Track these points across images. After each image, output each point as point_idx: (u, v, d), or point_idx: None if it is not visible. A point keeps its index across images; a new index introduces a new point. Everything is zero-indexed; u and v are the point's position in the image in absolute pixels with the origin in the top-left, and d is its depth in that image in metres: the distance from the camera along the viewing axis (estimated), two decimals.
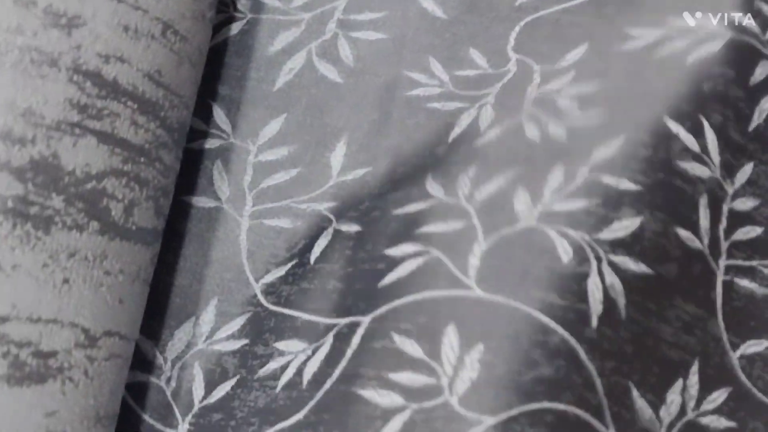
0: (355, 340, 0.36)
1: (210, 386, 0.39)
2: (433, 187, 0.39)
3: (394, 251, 0.38)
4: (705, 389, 0.35)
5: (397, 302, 0.36)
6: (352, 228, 0.41)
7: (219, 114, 0.45)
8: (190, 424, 0.39)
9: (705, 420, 0.35)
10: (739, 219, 0.38)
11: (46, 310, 0.32)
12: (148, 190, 0.37)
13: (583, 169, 0.36)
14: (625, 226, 0.35)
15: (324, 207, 0.42)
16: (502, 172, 0.38)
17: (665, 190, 0.37)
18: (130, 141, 0.35)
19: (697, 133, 0.38)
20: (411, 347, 0.34)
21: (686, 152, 0.38)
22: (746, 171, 0.39)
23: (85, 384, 0.33)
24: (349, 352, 0.36)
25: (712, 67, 0.40)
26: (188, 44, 0.40)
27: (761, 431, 0.36)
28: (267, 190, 0.43)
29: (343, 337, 0.37)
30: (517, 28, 0.45)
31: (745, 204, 0.39)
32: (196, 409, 0.39)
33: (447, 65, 0.45)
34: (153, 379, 0.40)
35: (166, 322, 0.41)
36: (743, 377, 0.36)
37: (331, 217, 0.42)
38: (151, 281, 0.39)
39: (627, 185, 0.36)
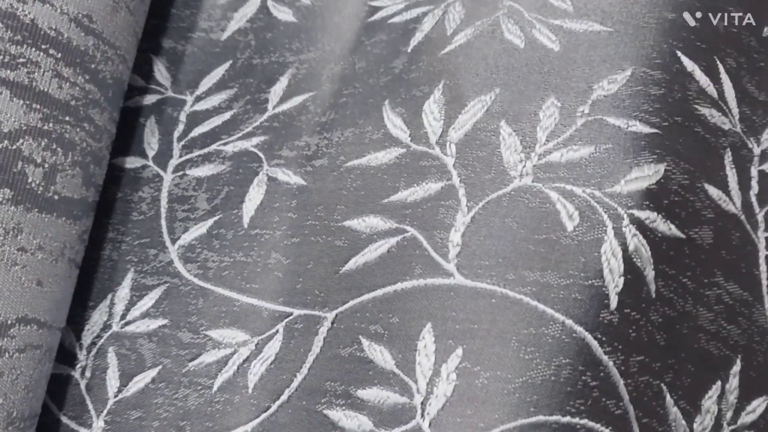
0: (317, 342, 0.31)
1: (125, 377, 0.34)
2: (393, 122, 0.33)
3: (357, 224, 0.32)
4: (744, 396, 0.29)
5: (366, 296, 0.31)
6: (293, 179, 0.35)
7: (160, 69, 0.40)
8: (106, 422, 0.33)
9: None
10: None
11: None
12: (75, 155, 0.31)
13: (584, 107, 0.30)
14: (647, 173, 0.28)
15: (252, 143, 0.37)
16: (477, 94, 0.32)
17: (685, 137, 0.29)
18: (52, 96, 0.30)
19: (713, 76, 0.32)
20: (381, 356, 0.29)
21: (704, 96, 0.31)
22: None
23: (14, 370, 0.28)
24: (311, 358, 0.31)
25: (728, 3, 0.34)
26: None
27: None
28: (197, 138, 0.38)
29: (298, 334, 0.32)
30: None
31: None
32: (111, 404, 0.34)
33: None
34: (70, 371, 0.34)
35: (87, 302, 0.35)
36: None
37: (260, 154, 0.36)
38: (80, 262, 0.34)
39: (640, 128, 0.29)
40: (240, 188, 0.36)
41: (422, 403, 0.28)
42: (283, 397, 0.31)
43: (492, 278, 0.28)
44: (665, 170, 0.29)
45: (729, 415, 0.29)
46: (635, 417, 0.26)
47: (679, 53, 0.31)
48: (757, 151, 0.32)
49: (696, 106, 0.30)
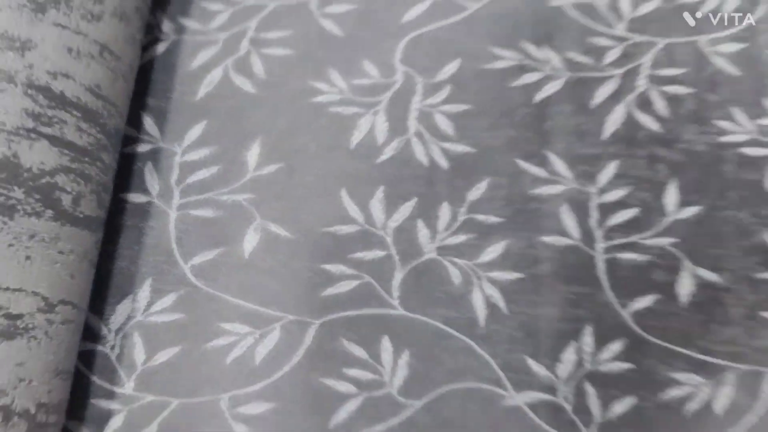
0: (308, 337, 0.47)
1: (151, 351, 0.46)
2: (351, 207, 0.50)
3: (331, 268, 0.48)
4: (601, 344, 0.45)
5: (342, 314, 0.47)
6: (282, 233, 0.49)
7: (148, 122, 0.53)
8: (136, 383, 0.46)
9: (604, 367, 0.44)
10: (611, 208, 0.48)
11: (13, 281, 0.38)
12: (92, 185, 0.44)
13: (462, 209, 0.49)
14: (495, 250, 0.48)
15: (243, 198, 0.50)
16: (403, 200, 0.50)
17: (524, 216, 0.49)
18: (76, 143, 0.43)
19: (544, 163, 0.50)
20: (358, 351, 0.46)
21: (536, 180, 0.49)
22: (610, 170, 0.49)
23: (46, 342, 0.40)
24: (304, 347, 0.46)
25: (554, 105, 0.51)
26: (121, 63, 0.47)
27: (654, 367, 0.44)
28: (192, 185, 0.51)
29: (292, 332, 0.47)
30: (402, 43, 0.54)
31: (617, 194, 0.48)
32: (139, 370, 0.46)
33: (345, 75, 0.53)
34: (99, 347, 0.47)
35: (108, 299, 0.48)
36: (637, 328, 0.45)
37: (252, 208, 0.50)
38: (96, 263, 0.46)
39: (493, 220, 0.49)
40: (239, 230, 0.50)
41: (390, 379, 0.46)
42: (285, 369, 0.46)
43: (418, 311, 0.47)
44: (507, 244, 0.48)
45: (588, 358, 0.45)
46: (506, 378, 0.45)
47: (516, 160, 0.50)
48: (593, 190, 0.49)
49: (531, 191, 0.49)
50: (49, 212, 0.41)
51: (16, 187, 0.39)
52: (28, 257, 0.39)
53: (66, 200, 0.42)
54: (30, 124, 0.40)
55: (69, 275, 0.42)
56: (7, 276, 0.38)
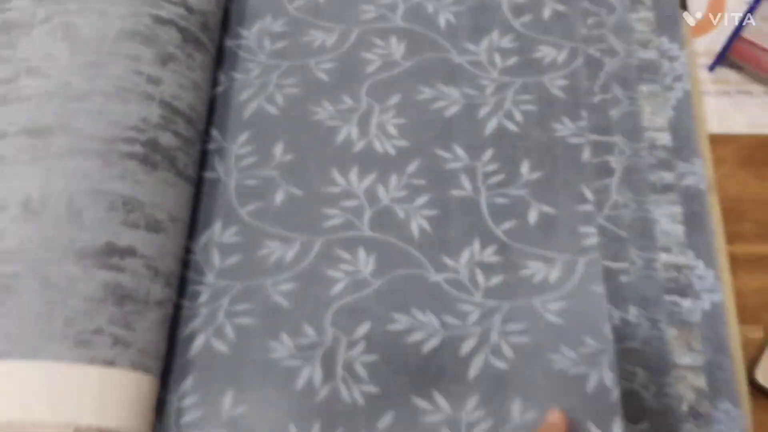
0: (315, 249, 0.77)
1: (224, 259, 0.79)
2: (338, 177, 0.81)
3: (327, 210, 0.79)
4: (483, 247, 0.77)
5: (335, 235, 0.78)
6: (298, 192, 0.81)
7: (215, 132, 0.86)
8: (214, 276, 0.77)
9: (485, 259, 0.76)
10: (489, 174, 0.81)
11: (157, 202, 0.71)
12: (192, 159, 0.77)
13: (404, 177, 0.80)
14: (422, 198, 0.79)
15: (273, 173, 0.83)
16: (369, 173, 0.81)
17: (440, 180, 0.80)
18: (184, 135, 0.76)
19: (450, 150, 0.82)
20: (345, 255, 0.77)
21: (446, 160, 0.81)
22: (488, 153, 0.82)
23: (174, 238, 0.72)
24: (313, 253, 0.77)
25: (456, 118, 0.84)
26: (204, 93, 0.81)
27: (515, 258, 0.76)
28: (243, 167, 0.83)
29: (306, 245, 0.77)
30: (366, 84, 0.88)
31: (493, 167, 0.81)
32: (216, 269, 0.78)
33: (332, 103, 0.87)
34: (191, 256, 0.79)
35: (196, 230, 0.79)
36: (504, 238, 0.77)
37: (279, 179, 0.83)
38: (192, 205, 0.79)
39: (421, 182, 0.80)
40: (272, 192, 0.80)
41: (363, 269, 0.76)
42: (304, 264, 0.76)
43: (379, 232, 0.77)
44: (430, 197, 0.80)
45: (477, 255, 0.77)
46: (430, 264, 0.78)
47: (435, 149, 0.83)
48: (479, 165, 0.84)
49: (444, 166, 0.80)
50: (173, 170, 0.74)
51: (157, 154, 0.73)
52: (162, 192, 0.72)
53: (180, 164, 0.75)
54: (162, 122, 0.74)
55: (182, 205, 0.75)
56: (154, 199, 0.71)
